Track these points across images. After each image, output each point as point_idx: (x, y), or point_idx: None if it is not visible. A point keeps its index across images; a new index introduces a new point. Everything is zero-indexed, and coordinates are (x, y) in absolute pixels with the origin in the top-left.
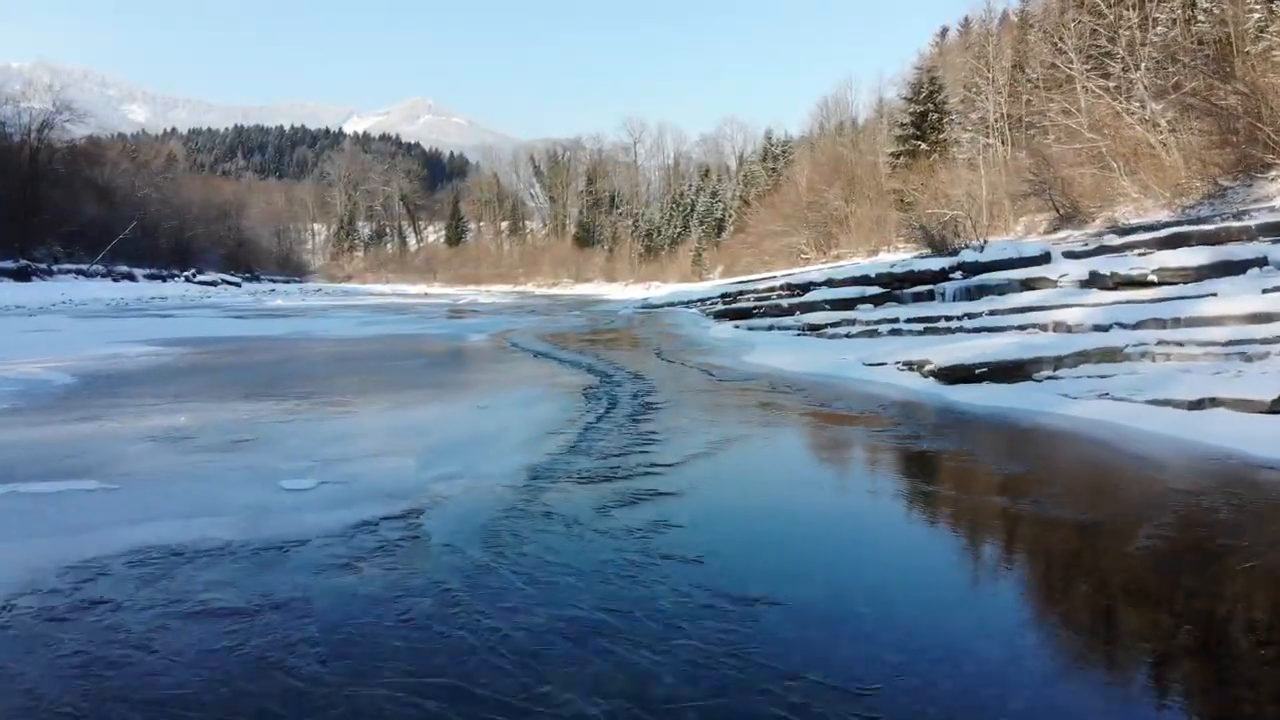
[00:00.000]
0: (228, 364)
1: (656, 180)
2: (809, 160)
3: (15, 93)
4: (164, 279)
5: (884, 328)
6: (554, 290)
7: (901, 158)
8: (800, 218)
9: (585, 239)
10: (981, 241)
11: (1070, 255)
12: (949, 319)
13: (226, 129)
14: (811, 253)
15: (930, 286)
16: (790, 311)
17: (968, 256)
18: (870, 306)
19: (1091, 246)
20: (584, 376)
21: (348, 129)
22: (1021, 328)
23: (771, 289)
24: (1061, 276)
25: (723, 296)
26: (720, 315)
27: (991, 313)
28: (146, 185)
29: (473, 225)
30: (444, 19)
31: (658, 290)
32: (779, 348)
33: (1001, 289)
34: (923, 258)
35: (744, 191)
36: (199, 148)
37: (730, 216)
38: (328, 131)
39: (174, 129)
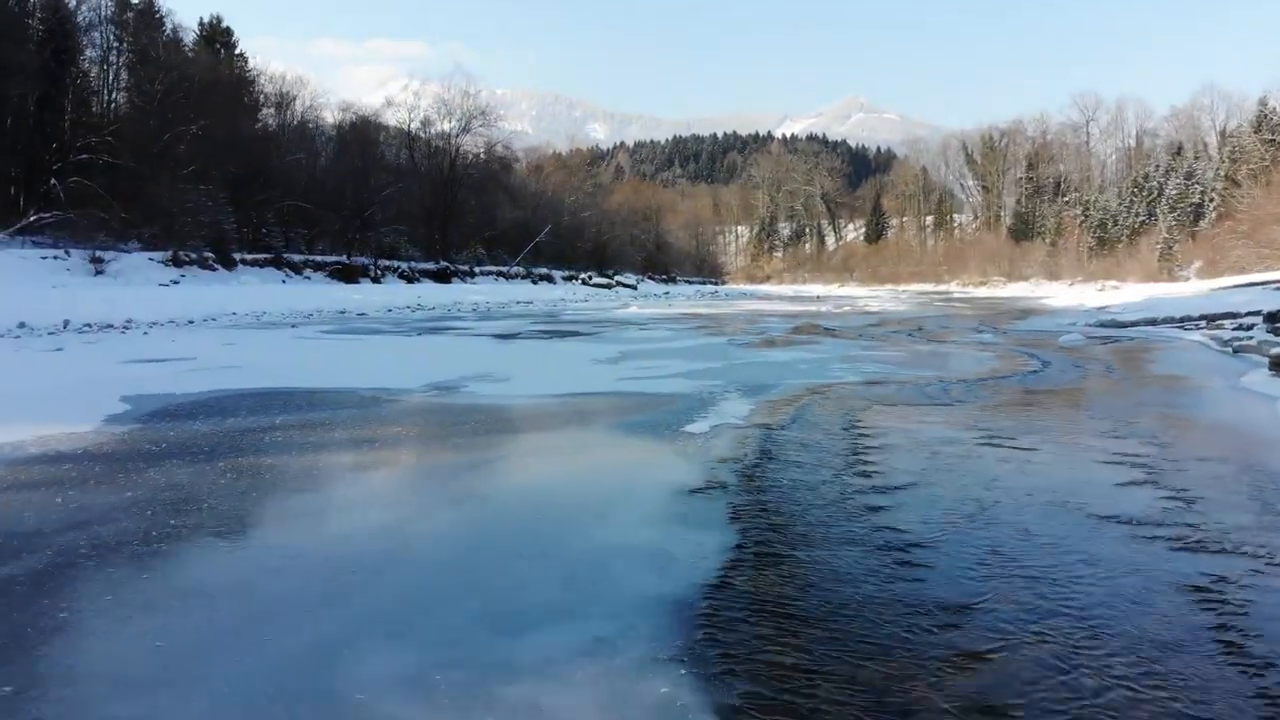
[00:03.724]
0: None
1: (1113, 163)
2: None
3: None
4: (571, 280)
5: None
6: (980, 291)
7: None
8: None
9: (1022, 231)
10: None
11: None
12: None
13: (666, 140)
14: None
15: None
16: None
17: None
18: None
19: None
20: None
21: (779, 133)
22: None
23: None
24: None
25: None
26: None
27: None
28: (574, 192)
29: (894, 221)
30: (875, 18)
31: (1115, 293)
32: None
33: None
34: None
35: (1230, 170)
36: (642, 159)
37: (1211, 201)
38: (757, 135)
39: (622, 142)
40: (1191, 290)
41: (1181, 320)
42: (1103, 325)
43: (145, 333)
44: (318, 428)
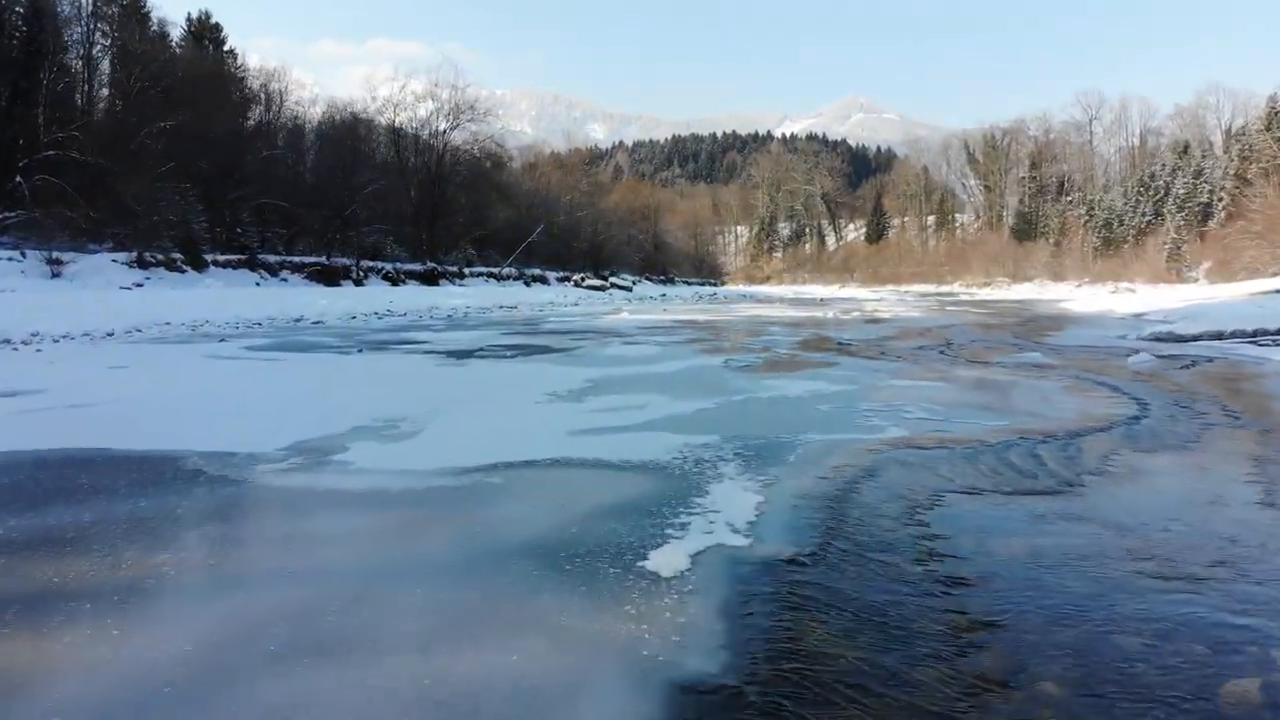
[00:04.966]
0: None
1: (1116, 162)
2: None
3: (419, 94)
4: (565, 281)
5: None
6: (985, 293)
7: None
8: None
9: (1025, 232)
10: None
11: None
12: None
13: (665, 140)
14: None
15: None
16: None
17: None
18: None
19: None
20: None
21: (779, 133)
22: None
23: None
24: None
25: None
26: None
27: None
28: (570, 191)
29: (895, 221)
30: (875, 18)
31: (1133, 297)
32: None
33: None
34: None
35: (1240, 169)
36: (641, 159)
37: (1220, 200)
38: (756, 135)
39: (621, 142)
40: (1228, 294)
41: (1254, 334)
42: (1160, 340)
43: (39, 349)
44: (40, 548)
